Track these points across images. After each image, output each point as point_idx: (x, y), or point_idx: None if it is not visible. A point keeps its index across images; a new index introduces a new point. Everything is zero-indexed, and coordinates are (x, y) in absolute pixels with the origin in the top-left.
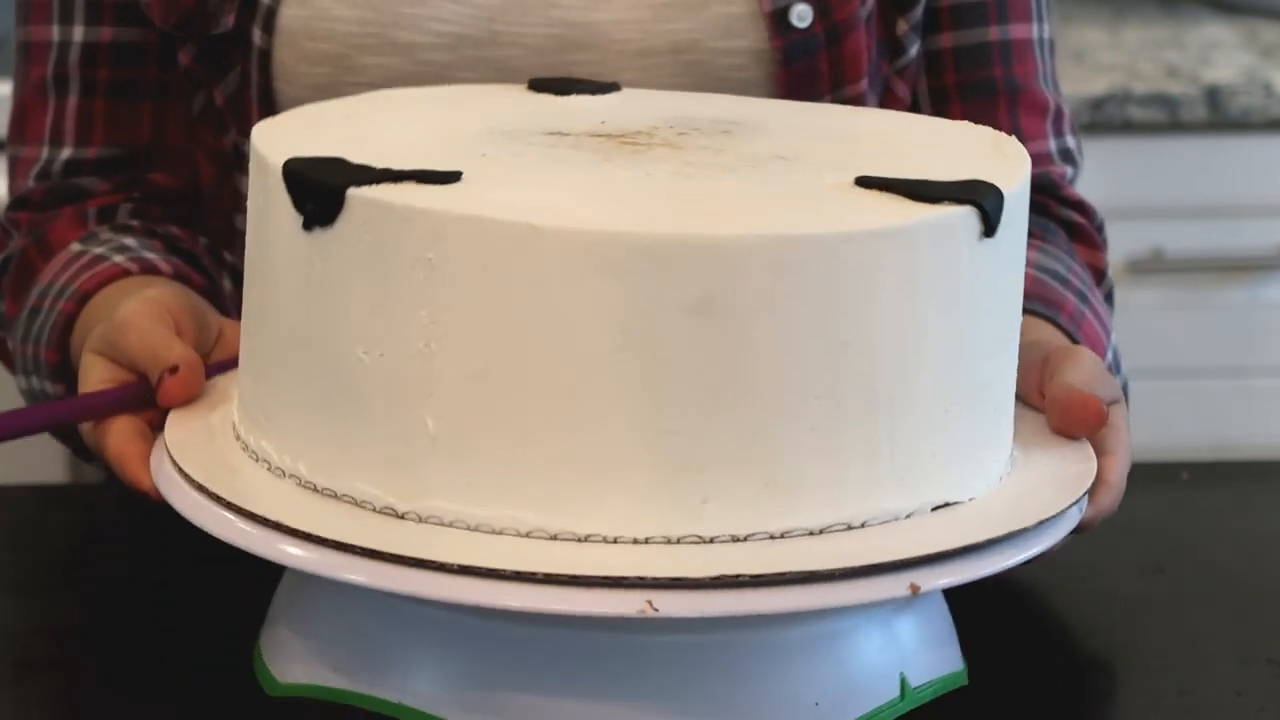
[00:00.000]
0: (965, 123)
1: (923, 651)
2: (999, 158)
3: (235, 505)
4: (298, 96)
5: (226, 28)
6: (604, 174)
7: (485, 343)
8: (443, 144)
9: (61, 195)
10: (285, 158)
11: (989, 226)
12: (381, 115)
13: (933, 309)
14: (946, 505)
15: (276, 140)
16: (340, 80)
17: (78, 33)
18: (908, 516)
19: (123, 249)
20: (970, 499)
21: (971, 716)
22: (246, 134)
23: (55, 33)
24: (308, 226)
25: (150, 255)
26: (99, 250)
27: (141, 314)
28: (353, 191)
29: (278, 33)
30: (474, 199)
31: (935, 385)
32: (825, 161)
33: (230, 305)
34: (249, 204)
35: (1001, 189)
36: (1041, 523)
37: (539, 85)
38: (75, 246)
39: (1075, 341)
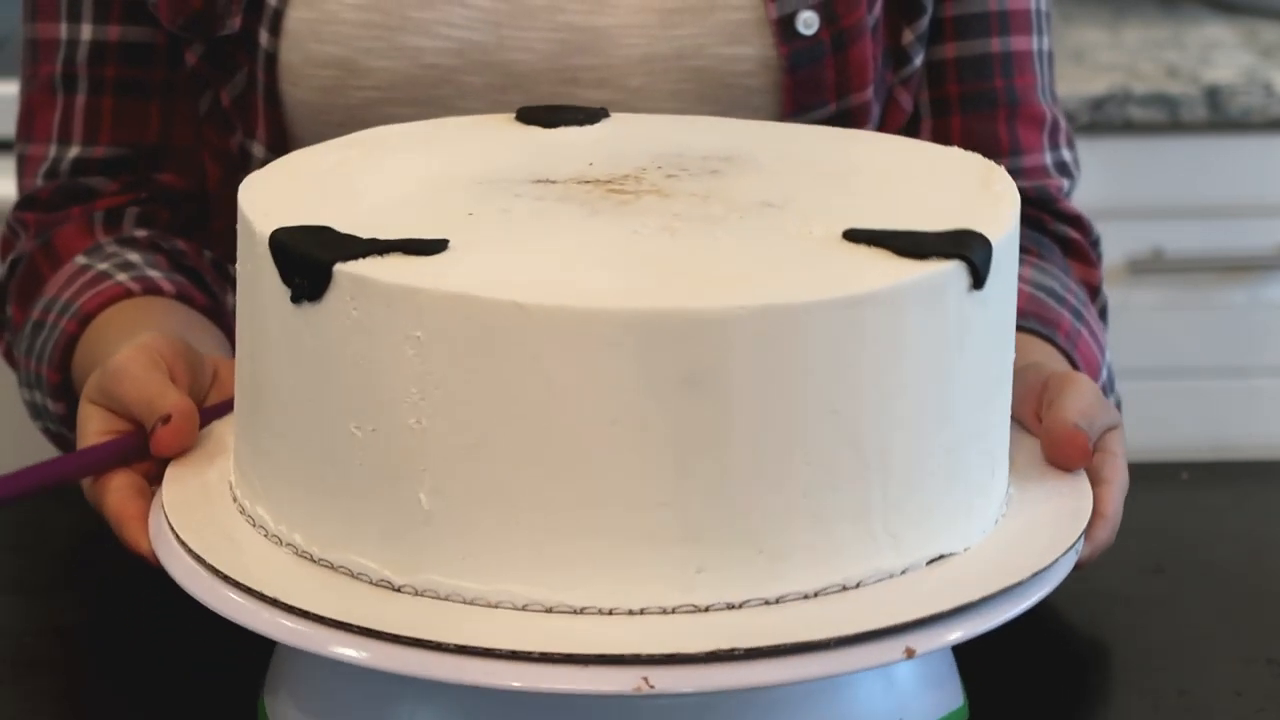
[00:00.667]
0: (956, 150)
1: (922, 694)
2: (989, 196)
3: (232, 578)
4: (304, 99)
5: (233, 29)
6: (591, 233)
7: (477, 419)
8: (430, 200)
9: (69, 195)
10: (272, 225)
11: (978, 279)
12: (369, 163)
13: (921, 365)
14: (942, 558)
15: (263, 201)
16: (346, 83)
17: (86, 31)
18: (903, 573)
19: (126, 266)
20: (966, 549)
21: (971, 715)
22: (253, 135)
23: (64, 30)
24: (296, 300)
25: (153, 274)
26: (103, 266)
27: (136, 361)
28: (340, 267)
29: (284, 35)
30: (460, 274)
31: (925, 440)
32: (814, 208)
33: (234, 323)
34: (238, 268)
35: (990, 238)
36: (1037, 573)
37: (527, 116)
38: (80, 260)
39: (1071, 360)
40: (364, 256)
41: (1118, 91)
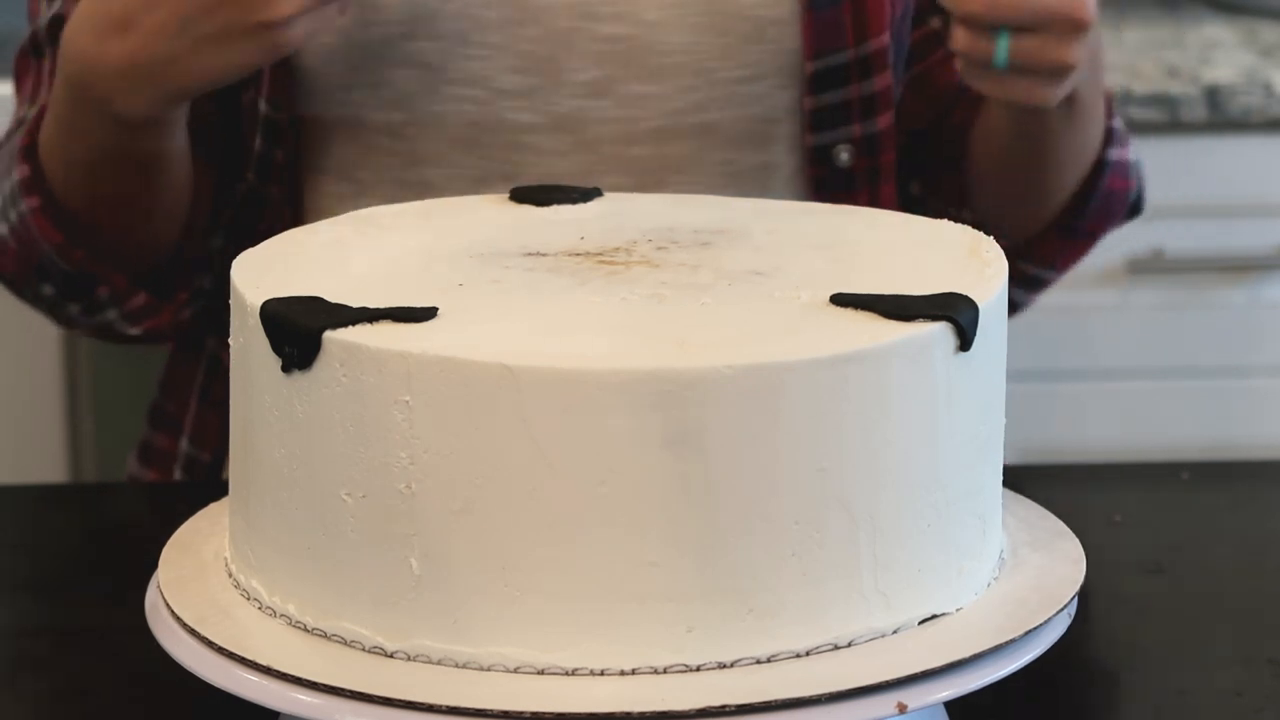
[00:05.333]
0: (946, 222)
1: None
2: (977, 263)
3: (225, 649)
4: (323, 42)
5: None
6: (580, 301)
7: (466, 483)
8: (421, 272)
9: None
10: (263, 296)
11: (964, 341)
12: (361, 239)
13: (909, 426)
14: (934, 618)
15: (254, 275)
16: (365, 20)
17: (53, 7)
18: (894, 632)
19: None
20: (958, 609)
21: (972, 715)
22: (259, 91)
23: (43, 8)
24: (286, 369)
25: None
26: None
27: None
28: (329, 334)
29: None
30: (448, 338)
31: (915, 501)
32: (802, 276)
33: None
34: (230, 343)
35: (976, 301)
36: (1029, 632)
37: (520, 195)
38: None
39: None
40: (353, 324)
41: (1118, 91)
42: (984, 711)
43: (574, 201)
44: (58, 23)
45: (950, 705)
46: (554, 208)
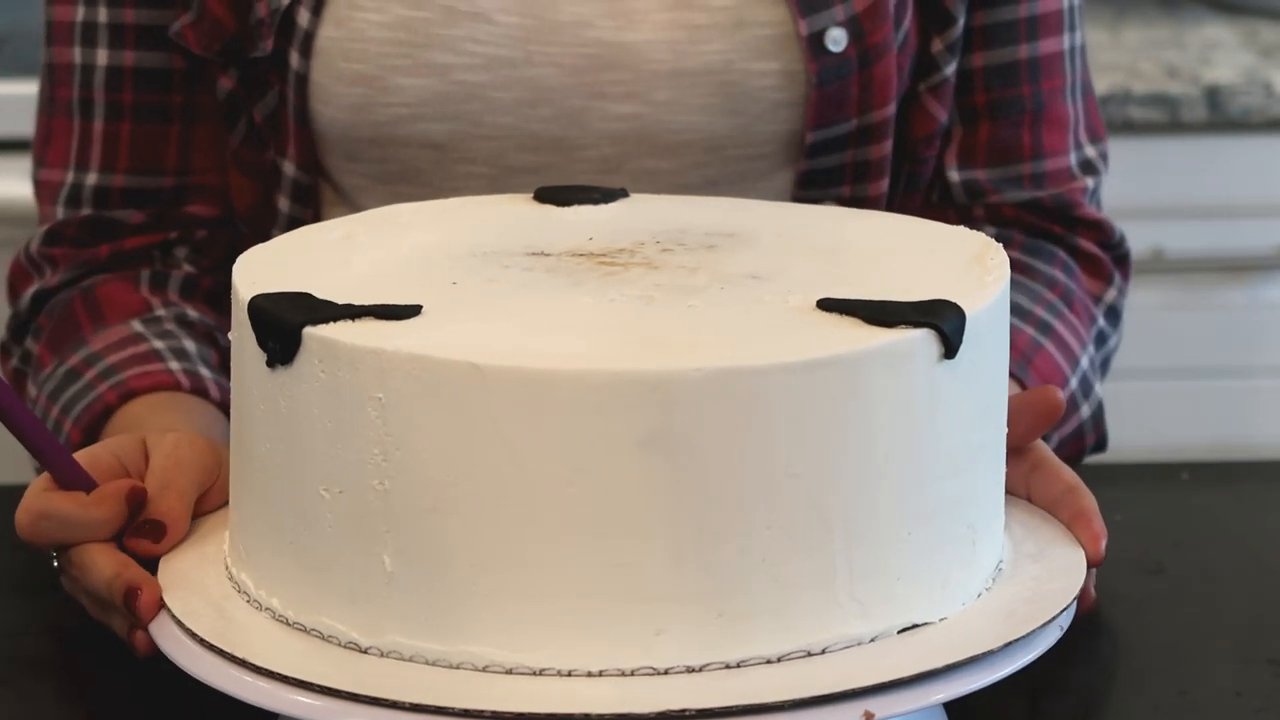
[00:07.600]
0: (961, 229)
1: None
2: (978, 270)
3: (211, 644)
4: (335, 117)
5: (265, 51)
6: (568, 302)
7: (437, 481)
8: (419, 271)
9: (96, 230)
10: (254, 291)
11: (949, 348)
12: (371, 238)
13: (888, 433)
14: (915, 627)
15: (254, 271)
16: (375, 101)
17: (102, 56)
18: (871, 640)
19: (181, 354)
20: (942, 619)
21: (971, 715)
22: (283, 153)
23: (78, 55)
24: (270, 364)
25: (204, 372)
26: (158, 345)
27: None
28: (309, 330)
29: (314, 55)
30: (423, 337)
31: (894, 508)
32: (799, 280)
33: None
34: (231, 335)
35: (965, 309)
36: (1009, 644)
37: (543, 195)
38: (137, 326)
39: (1021, 382)
40: (335, 320)
41: (1118, 91)
42: (983, 711)
43: (595, 202)
44: (116, 75)
45: (949, 705)
46: (573, 208)
